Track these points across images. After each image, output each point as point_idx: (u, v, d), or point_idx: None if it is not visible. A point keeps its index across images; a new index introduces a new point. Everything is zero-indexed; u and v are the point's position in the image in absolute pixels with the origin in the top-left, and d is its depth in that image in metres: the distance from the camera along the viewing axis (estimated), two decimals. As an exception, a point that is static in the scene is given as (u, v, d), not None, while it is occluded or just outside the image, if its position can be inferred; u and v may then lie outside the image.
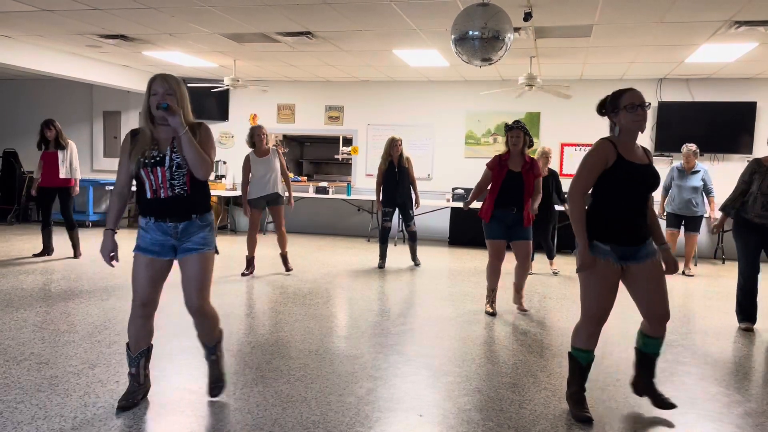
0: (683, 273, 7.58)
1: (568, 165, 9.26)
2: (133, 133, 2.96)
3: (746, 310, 4.93)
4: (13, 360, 3.64)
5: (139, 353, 3.02)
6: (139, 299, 2.94)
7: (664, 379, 3.63)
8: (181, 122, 2.80)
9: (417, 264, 7.75)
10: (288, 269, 6.96)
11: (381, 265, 7.60)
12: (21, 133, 11.86)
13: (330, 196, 10.47)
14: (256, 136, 6.55)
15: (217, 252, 3.05)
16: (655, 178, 3.00)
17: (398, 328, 4.69)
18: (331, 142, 12.32)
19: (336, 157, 12.21)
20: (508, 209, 5.09)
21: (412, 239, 7.74)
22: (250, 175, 6.62)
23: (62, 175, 7.29)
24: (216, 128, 11.20)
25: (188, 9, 6.22)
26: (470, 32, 4.76)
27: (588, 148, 9.87)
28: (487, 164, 5.26)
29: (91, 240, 8.78)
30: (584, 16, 6.02)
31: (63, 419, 2.83)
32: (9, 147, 11.54)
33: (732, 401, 3.37)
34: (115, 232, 2.96)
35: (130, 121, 11.56)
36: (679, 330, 4.90)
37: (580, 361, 3.06)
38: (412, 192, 7.59)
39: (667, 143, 9.18)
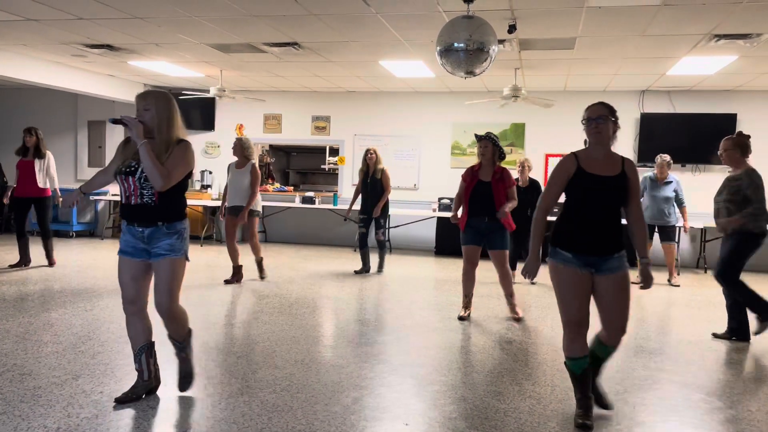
0: (669, 282, 7.62)
1: (553, 175, 9.36)
2: (125, 142, 3.25)
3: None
4: (-5, 371, 3.60)
5: (139, 349, 3.21)
6: (125, 297, 3.18)
7: (646, 387, 3.67)
8: (138, 135, 2.99)
9: (379, 271, 7.85)
10: (262, 276, 7.00)
11: (364, 270, 7.73)
12: (6, 142, 11.73)
13: (316, 206, 10.46)
14: (232, 148, 6.84)
15: (187, 259, 3.22)
16: (618, 191, 3.03)
17: (384, 337, 4.70)
18: (318, 152, 12.34)
19: (322, 167, 12.24)
20: (480, 218, 5.25)
21: (379, 247, 7.90)
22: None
23: (40, 183, 7.24)
24: (202, 138, 11.18)
25: (175, 19, 6.23)
26: (455, 44, 4.82)
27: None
28: (462, 176, 5.44)
29: (75, 251, 8.71)
30: (568, 28, 6.11)
31: (46, 430, 2.81)
32: (-9, 156, 11.42)
33: (713, 408, 3.42)
34: (84, 194, 3.31)
35: (115, 130, 11.48)
36: (661, 338, 4.96)
37: (573, 370, 3.09)
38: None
39: (649, 154, 9.27)
